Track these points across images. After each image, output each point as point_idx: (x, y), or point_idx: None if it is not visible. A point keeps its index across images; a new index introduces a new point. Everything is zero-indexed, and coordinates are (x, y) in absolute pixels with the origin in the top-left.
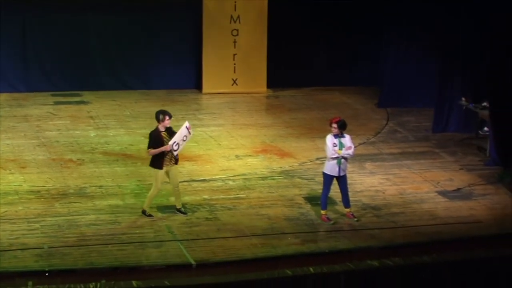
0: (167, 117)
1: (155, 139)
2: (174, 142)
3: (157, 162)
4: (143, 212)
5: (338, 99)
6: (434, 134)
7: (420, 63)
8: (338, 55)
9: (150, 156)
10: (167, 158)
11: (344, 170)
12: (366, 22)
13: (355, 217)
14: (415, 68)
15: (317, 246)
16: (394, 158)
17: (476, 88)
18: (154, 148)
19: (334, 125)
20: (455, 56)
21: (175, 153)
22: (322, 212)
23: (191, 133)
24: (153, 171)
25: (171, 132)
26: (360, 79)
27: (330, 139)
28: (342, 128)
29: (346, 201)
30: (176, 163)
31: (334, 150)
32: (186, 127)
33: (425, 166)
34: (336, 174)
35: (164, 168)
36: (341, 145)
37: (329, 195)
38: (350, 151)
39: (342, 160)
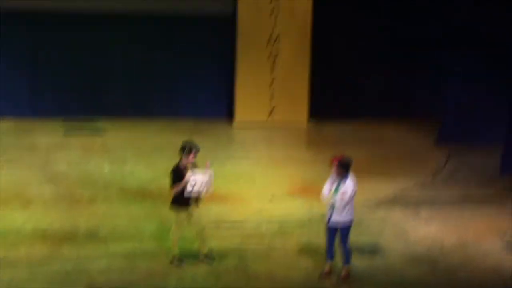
0: (193, 151)
1: (178, 176)
2: (193, 179)
3: (178, 202)
4: (174, 258)
5: (391, 134)
6: (502, 176)
7: (487, 92)
8: (393, 82)
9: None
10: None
11: (338, 223)
12: (425, 44)
13: (341, 278)
14: (481, 97)
15: None
16: (454, 204)
17: None
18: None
19: (335, 163)
20: None
21: (187, 194)
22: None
23: (210, 189)
24: (174, 213)
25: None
26: (418, 110)
27: (328, 181)
28: (344, 170)
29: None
30: (197, 204)
31: (325, 195)
32: (210, 175)
33: (490, 213)
34: (328, 224)
35: (187, 210)
36: (336, 191)
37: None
38: (338, 197)
39: (336, 207)
